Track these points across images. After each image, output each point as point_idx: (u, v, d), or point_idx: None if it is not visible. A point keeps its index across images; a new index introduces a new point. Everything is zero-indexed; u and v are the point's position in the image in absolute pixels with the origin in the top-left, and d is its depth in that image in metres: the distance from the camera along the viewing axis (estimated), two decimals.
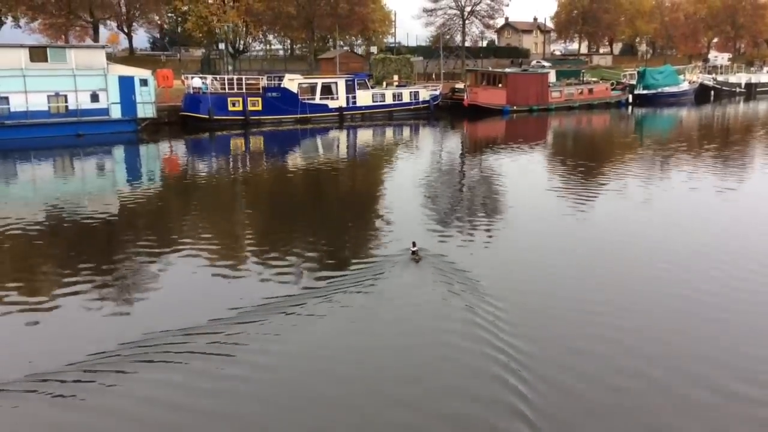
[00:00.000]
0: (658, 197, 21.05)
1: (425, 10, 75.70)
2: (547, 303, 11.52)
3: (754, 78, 76.98)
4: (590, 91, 58.42)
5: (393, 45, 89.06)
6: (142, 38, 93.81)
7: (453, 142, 41.01)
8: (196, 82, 42.73)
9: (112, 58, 74.22)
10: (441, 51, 66.88)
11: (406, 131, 45.98)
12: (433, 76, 64.45)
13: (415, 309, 11.15)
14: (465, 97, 52.27)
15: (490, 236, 16.08)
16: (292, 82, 45.56)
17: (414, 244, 13.58)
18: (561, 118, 51.80)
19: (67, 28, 65.41)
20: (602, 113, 55.70)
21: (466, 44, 76.86)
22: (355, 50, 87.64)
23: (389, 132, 45.06)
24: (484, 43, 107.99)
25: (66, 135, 35.83)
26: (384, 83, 56.05)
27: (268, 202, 22.38)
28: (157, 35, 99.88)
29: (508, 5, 77.96)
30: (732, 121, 51.50)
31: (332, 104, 47.17)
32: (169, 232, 17.37)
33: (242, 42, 77.02)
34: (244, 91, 43.51)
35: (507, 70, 58.99)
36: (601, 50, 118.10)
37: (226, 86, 43.51)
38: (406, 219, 17.76)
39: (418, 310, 11.12)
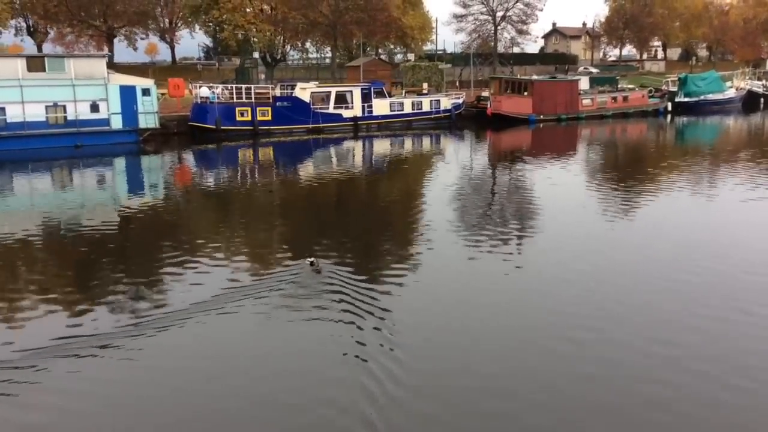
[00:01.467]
0: (697, 227, 18.38)
1: (455, 16, 73.86)
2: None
3: None
4: (625, 98, 54.99)
5: (434, 52, 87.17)
6: (192, 48, 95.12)
7: (472, 154, 38.89)
8: (204, 91, 41.85)
9: (153, 67, 75.62)
10: (471, 58, 64.76)
11: (426, 142, 44.22)
12: (457, 84, 62.35)
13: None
14: (488, 106, 50.02)
15: (519, 266, 14.97)
16: (304, 91, 44.23)
17: (310, 255, 14.11)
18: (592, 128, 48.92)
19: (83, 36, 65.95)
20: (638, 122, 52.45)
21: (500, 51, 74.48)
22: (395, 58, 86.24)
23: (407, 143, 43.35)
24: (537, 50, 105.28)
25: (64, 146, 35.19)
26: (403, 92, 54.30)
27: (257, 223, 20.77)
28: (210, 45, 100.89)
29: (542, 10, 75.00)
30: None
31: (347, 113, 45.59)
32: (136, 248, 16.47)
33: (279, 51, 76.81)
34: (252, 100, 42.49)
35: (534, 77, 56.22)
36: (659, 55, 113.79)
37: (234, 95, 42.58)
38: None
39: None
